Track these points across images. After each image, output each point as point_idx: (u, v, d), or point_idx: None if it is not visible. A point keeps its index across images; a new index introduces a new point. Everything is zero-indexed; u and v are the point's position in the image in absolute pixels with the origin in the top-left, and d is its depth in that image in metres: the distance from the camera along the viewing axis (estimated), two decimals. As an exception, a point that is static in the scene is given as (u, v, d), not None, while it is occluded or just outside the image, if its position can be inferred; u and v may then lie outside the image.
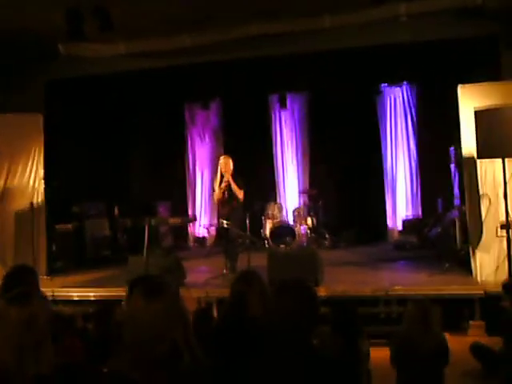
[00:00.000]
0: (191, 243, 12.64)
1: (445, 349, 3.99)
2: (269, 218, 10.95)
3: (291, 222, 11.05)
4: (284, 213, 11.33)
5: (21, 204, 8.48)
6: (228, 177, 7.84)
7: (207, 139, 12.96)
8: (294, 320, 2.51)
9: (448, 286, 6.70)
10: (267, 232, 10.69)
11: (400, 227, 11.46)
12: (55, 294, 7.09)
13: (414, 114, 11.79)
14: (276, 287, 2.73)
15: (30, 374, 2.00)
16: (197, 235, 12.69)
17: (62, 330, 2.68)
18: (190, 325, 2.19)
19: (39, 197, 8.61)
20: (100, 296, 7.16)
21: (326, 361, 2.48)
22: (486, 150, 6.37)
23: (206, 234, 12.50)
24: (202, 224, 12.45)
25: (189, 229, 12.71)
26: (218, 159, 8.32)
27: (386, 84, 11.80)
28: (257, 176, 11.27)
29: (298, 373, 2.36)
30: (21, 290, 2.30)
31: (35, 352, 2.06)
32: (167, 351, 1.95)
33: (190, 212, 12.85)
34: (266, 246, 10.58)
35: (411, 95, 11.80)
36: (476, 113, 6.48)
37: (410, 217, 11.53)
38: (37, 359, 2.05)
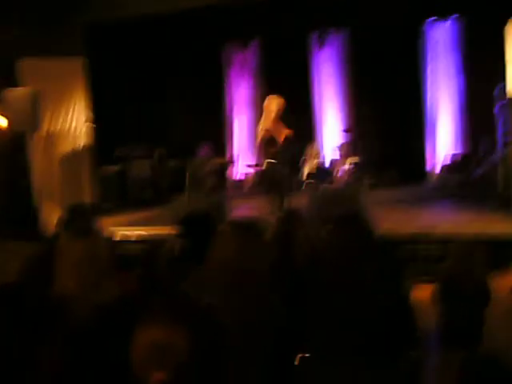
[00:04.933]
0: (230, 185, 12.75)
1: (487, 289, 4.00)
2: (309, 160, 10.92)
3: (330, 163, 10.99)
4: (323, 154, 11.27)
5: (66, 147, 8.65)
6: (274, 117, 7.75)
7: (245, 80, 12.87)
8: (352, 254, 2.53)
9: (491, 226, 6.64)
10: (305, 176, 10.68)
11: (443, 165, 11.28)
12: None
13: (461, 49, 11.40)
14: (333, 222, 2.75)
15: (93, 302, 2.11)
16: (235, 177, 12.77)
17: (118, 266, 2.78)
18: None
19: (84, 139, 8.74)
20: (147, 235, 7.32)
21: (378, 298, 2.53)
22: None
23: (243, 177, 12.56)
24: (242, 165, 12.48)
25: (228, 171, 12.78)
26: (257, 100, 8.22)
27: (432, 18, 11.38)
28: (297, 117, 11.19)
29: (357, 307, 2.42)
30: (81, 225, 2.40)
31: (98, 283, 2.16)
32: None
33: (229, 153, 12.90)
34: (308, 185, 10.56)
35: (458, 30, 11.38)
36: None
37: (453, 156, 11.34)
38: (99, 289, 2.16)
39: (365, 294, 2.47)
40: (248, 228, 2.28)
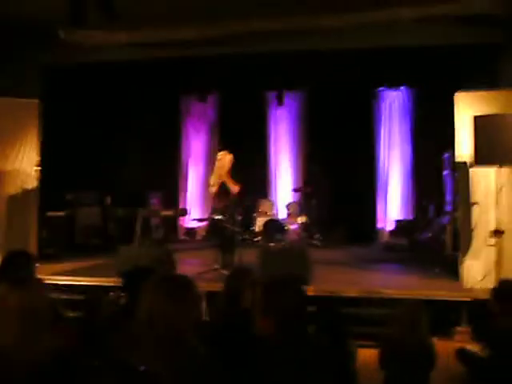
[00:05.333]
0: (181, 236, 12.67)
1: (432, 353, 4.03)
2: (260, 215, 10.97)
3: (283, 219, 11.07)
4: (275, 210, 11.35)
5: (13, 189, 8.43)
6: (224, 172, 7.84)
7: (202, 132, 12.97)
8: (286, 319, 2.54)
9: (436, 290, 6.72)
10: (258, 228, 10.71)
11: (391, 229, 11.51)
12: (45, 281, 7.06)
13: (410, 118, 11.87)
14: (266, 285, 2.76)
15: (29, 359, 2.01)
16: (187, 228, 12.70)
17: (56, 317, 2.69)
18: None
19: (32, 183, 8.57)
20: (89, 285, 7.15)
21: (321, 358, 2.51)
22: (484, 156, 6.41)
23: (196, 228, 12.51)
24: (194, 217, 12.45)
25: (180, 221, 12.72)
26: (212, 153, 8.33)
27: (384, 87, 11.87)
28: (250, 172, 11.29)
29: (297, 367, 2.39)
30: (21, 274, 2.31)
31: (35, 338, 2.07)
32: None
33: (181, 205, 12.85)
34: (257, 242, 10.60)
35: (408, 99, 11.87)
36: (475, 118, 6.51)
37: (402, 219, 11.59)
38: (36, 345, 2.06)
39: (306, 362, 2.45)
40: (174, 283, 2.26)
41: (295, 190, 11.88)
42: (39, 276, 4.10)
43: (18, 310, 2.08)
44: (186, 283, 2.27)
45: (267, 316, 2.58)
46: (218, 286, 3.41)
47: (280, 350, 2.39)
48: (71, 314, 5.27)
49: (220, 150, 8.20)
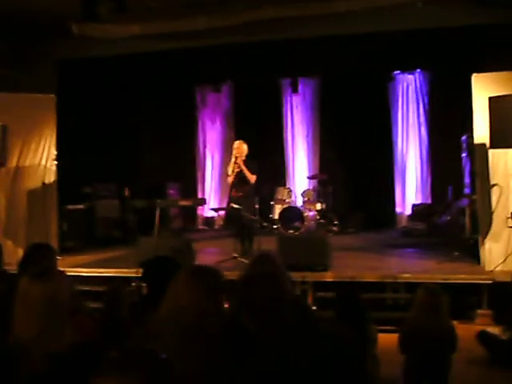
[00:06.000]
0: (200, 225, 12.74)
1: (453, 336, 4.02)
2: (278, 202, 10.98)
3: (300, 207, 11.07)
4: (293, 197, 11.36)
5: (33, 183, 8.53)
6: (241, 161, 7.87)
7: (218, 122, 13.00)
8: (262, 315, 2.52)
9: (456, 273, 6.69)
10: (276, 216, 10.72)
11: (409, 213, 11.46)
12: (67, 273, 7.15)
13: (426, 101, 11.79)
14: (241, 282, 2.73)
15: (50, 351, 2.04)
16: (205, 217, 12.77)
17: (76, 308, 2.72)
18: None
19: (51, 177, 8.66)
20: (110, 276, 7.22)
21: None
22: (499, 138, 6.36)
23: (214, 217, 12.57)
24: (211, 206, 12.49)
25: (198, 211, 12.79)
26: (228, 142, 8.36)
27: (399, 71, 11.77)
28: (267, 160, 11.29)
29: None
30: (43, 266, 2.34)
31: (57, 330, 2.10)
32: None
33: (199, 194, 12.92)
34: (275, 230, 10.62)
35: (424, 83, 11.77)
36: (490, 99, 6.45)
37: (420, 203, 11.53)
38: (57, 337, 2.09)
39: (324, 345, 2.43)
40: (205, 277, 2.23)
41: (310, 178, 11.86)
42: (61, 268, 4.17)
43: (41, 303, 2.11)
44: (217, 276, 2.25)
45: (247, 313, 2.54)
46: (237, 275, 3.39)
47: (261, 347, 2.34)
48: (93, 305, 5.35)
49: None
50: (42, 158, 8.64)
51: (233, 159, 7.99)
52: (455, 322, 4.39)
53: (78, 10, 7.55)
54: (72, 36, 8.53)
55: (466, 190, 8.86)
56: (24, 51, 9.15)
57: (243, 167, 7.85)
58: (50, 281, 2.18)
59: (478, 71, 7.13)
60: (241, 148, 7.97)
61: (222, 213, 12.15)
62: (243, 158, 7.93)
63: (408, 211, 11.56)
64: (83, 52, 9.35)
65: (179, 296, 2.13)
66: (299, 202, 11.33)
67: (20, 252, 6.78)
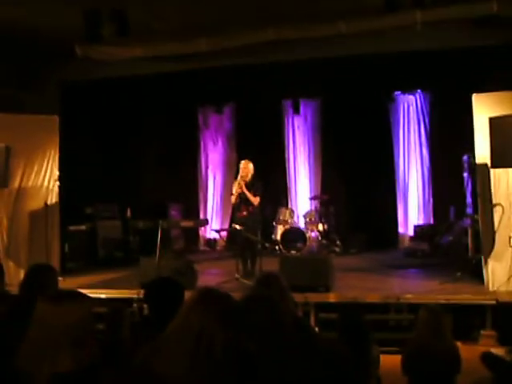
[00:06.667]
0: (202, 246, 12.71)
1: (457, 357, 3.99)
2: (280, 223, 10.97)
3: (302, 227, 11.06)
4: (295, 218, 11.35)
5: (35, 204, 8.54)
6: (243, 183, 7.87)
7: (220, 143, 13.03)
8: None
9: (459, 294, 6.66)
10: (278, 237, 10.70)
11: (411, 234, 11.43)
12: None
13: (427, 121, 11.82)
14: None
15: (52, 373, 2.02)
16: (208, 238, 12.74)
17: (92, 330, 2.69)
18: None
19: (53, 197, 8.67)
20: (112, 297, 7.19)
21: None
22: (500, 158, 6.38)
23: (217, 238, 12.54)
24: (213, 227, 12.48)
25: (200, 232, 12.77)
26: (230, 163, 8.36)
27: (400, 91, 11.84)
28: (269, 181, 11.30)
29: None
30: (44, 288, 2.31)
31: (64, 353, 2.06)
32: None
33: (201, 215, 12.91)
34: (277, 251, 10.59)
35: (425, 103, 11.82)
36: (491, 120, 6.48)
37: (422, 224, 11.51)
38: (62, 359, 2.06)
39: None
40: (217, 300, 2.20)
41: (312, 198, 11.87)
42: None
43: (63, 326, 2.06)
44: (228, 301, 2.21)
45: (249, 335, 2.53)
46: (239, 296, 3.37)
47: (263, 369, 2.31)
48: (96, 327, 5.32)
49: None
50: (45, 179, 8.66)
51: (238, 179, 7.98)
52: (459, 343, 4.37)
53: (81, 33, 7.65)
54: (75, 58, 8.62)
55: (468, 210, 8.85)
56: (28, 72, 9.23)
57: (245, 190, 7.85)
58: (71, 304, 2.15)
59: (479, 91, 7.17)
60: (247, 168, 7.97)
61: (224, 234, 12.13)
62: (248, 178, 7.92)
63: (410, 232, 11.53)
64: (86, 74, 9.43)
65: (187, 318, 2.11)
66: (301, 223, 11.32)
67: (21, 273, 6.77)
